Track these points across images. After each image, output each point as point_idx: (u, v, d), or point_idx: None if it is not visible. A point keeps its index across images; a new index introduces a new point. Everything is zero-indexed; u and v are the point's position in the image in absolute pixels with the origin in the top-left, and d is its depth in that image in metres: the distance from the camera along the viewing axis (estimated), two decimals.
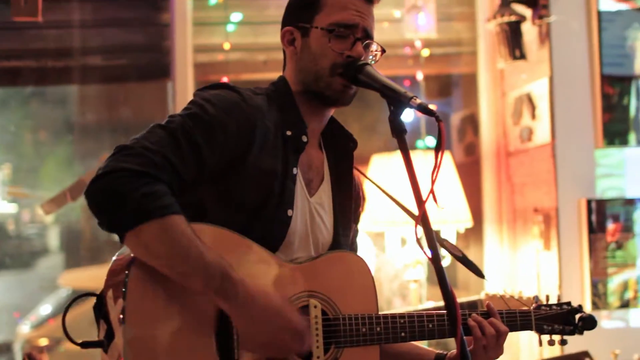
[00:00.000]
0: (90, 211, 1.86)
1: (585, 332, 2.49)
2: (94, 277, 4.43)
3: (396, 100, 1.91)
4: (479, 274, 2.38)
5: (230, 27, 4.40)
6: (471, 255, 4.72)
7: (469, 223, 4.11)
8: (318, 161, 2.21)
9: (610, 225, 3.97)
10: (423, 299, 4.18)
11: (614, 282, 3.95)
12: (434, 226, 4.02)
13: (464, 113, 4.97)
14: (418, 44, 4.55)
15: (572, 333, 2.35)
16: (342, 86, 2.09)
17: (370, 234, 4.30)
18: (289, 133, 2.09)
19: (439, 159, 1.81)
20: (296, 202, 2.08)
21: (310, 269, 2.08)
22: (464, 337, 2.10)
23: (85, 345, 1.94)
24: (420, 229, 1.85)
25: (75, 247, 4.61)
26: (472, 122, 4.86)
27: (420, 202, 1.83)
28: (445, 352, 2.31)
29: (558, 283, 3.97)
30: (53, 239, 5.44)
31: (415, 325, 2.13)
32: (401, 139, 1.90)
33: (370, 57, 2.14)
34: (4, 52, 4.34)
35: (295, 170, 2.08)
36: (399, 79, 4.78)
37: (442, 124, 1.83)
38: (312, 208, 2.15)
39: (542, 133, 4.13)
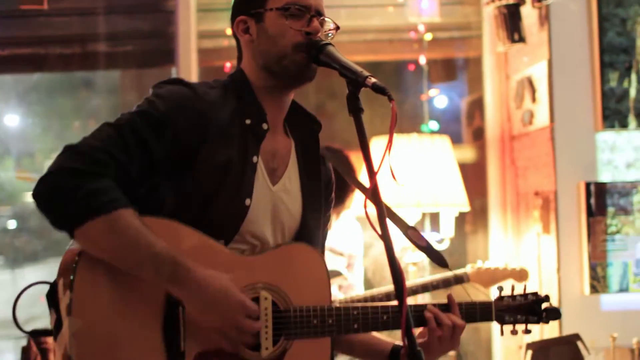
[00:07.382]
0: (39, 210, 1.88)
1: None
2: None
3: (353, 80, 1.92)
4: (444, 263, 2.36)
5: None
6: (477, 236, 4.77)
7: (466, 207, 4.11)
8: (284, 149, 2.19)
9: (610, 209, 3.96)
10: None
11: (613, 266, 3.94)
12: (433, 209, 4.08)
13: (471, 97, 4.97)
14: (421, 28, 4.55)
15: (536, 323, 2.31)
16: (306, 60, 2.07)
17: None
18: (248, 122, 2.08)
19: (391, 136, 1.83)
20: (255, 191, 2.07)
21: (262, 261, 2.05)
22: (422, 328, 2.14)
23: (34, 333, 1.93)
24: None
25: None
26: (479, 106, 4.86)
27: (372, 178, 1.83)
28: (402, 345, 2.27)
29: (557, 266, 3.97)
30: None
31: (369, 317, 2.10)
32: (357, 118, 1.91)
33: (329, 35, 2.16)
34: (10, 39, 4.42)
35: (255, 159, 2.07)
36: (403, 63, 4.80)
37: (394, 102, 1.85)
38: (275, 196, 2.13)
39: (542, 116, 4.13)
